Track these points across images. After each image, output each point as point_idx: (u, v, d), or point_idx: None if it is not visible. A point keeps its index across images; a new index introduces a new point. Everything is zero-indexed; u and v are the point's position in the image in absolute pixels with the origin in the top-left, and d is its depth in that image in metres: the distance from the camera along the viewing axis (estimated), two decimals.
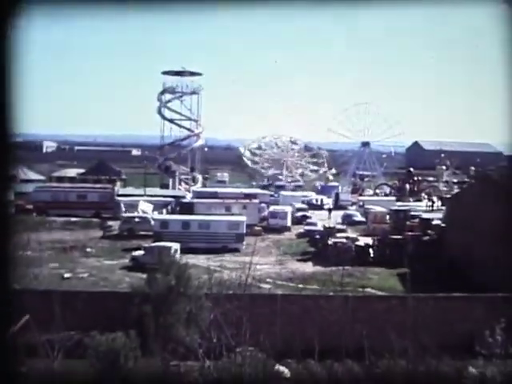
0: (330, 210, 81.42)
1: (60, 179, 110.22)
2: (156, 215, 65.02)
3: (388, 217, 67.79)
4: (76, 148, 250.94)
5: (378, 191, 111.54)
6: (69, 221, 69.48)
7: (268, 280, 45.70)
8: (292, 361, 32.97)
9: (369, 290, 43.85)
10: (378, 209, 72.40)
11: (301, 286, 44.88)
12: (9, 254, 8.83)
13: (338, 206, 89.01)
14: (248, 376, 26.23)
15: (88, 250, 55.51)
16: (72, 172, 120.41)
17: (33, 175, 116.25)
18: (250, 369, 26.49)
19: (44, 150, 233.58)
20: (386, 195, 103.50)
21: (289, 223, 69.20)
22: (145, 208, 69.53)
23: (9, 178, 8.81)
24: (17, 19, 8.18)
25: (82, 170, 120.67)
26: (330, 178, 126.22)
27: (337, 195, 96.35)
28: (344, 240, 54.91)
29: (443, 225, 57.60)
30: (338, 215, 77.11)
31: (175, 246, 48.76)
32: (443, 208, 72.71)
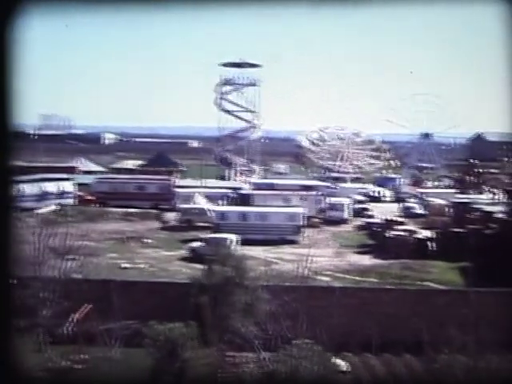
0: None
1: (119, 170, 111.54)
2: (214, 207, 65.13)
3: (448, 209, 66.63)
4: (135, 140, 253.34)
5: (438, 183, 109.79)
6: (127, 212, 70.09)
7: (325, 272, 45.35)
8: (349, 354, 32.69)
9: (428, 283, 43.15)
10: (438, 201, 71.24)
11: (359, 278, 44.42)
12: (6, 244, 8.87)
13: (397, 198, 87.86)
14: (304, 369, 26.06)
15: (146, 240, 55.93)
16: (131, 163, 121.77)
17: (93, 166, 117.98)
18: (306, 361, 26.31)
19: (104, 142, 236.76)
20: (447, 187, 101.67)
21: (347, 215, 68.57)
22: (200, 200, 69.77)
23: (10, 173, 8.85)
24: (20, 17, 8.20)
25: (140, 162, 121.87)
26: (390, 169, 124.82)
27: (396, 187, 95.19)
28: (403, 233, 54.19)
29: (506, 218, 56.30)
30: (397, 207, 76.14)
31: (233, 237, 48.77)
32: (506, 201, 71.16)
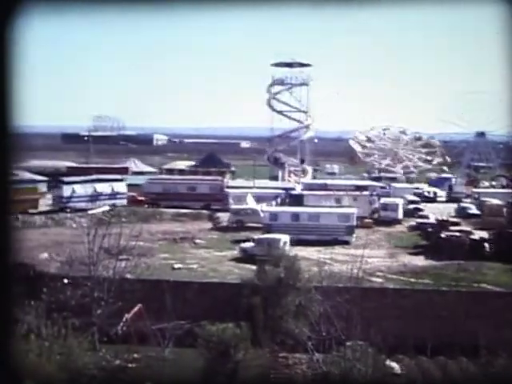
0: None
1: (170, 171, 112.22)
2: (265, 207, 65.00)
3: (505, 210, 65.29)
4: (186, 140, 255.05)
5: (494, 183, 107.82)
6: (179, 212, 70.44)
7: (378, 273, 44.84)
8: (403, 357, 32.24)
9: (484, 285, 42.29)
10: (495, 201, 69.86)
11: (412, 280, 43.79)
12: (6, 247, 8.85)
13: (451, 198, 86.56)
14: (357, 371, 25.77)
15: (198, 241, 56.05)
16: (182, 164, 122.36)
17: (144, 167, 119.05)
18: (359, 363, 26.02)
19: (155, 143, 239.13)
20: (503, 187, 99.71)
21: (400, 216, 67.75)
22: (252, 201, 69.72)
23: (9, 175, 8.84)
24: (20, 17, 8.20)
25: (192, 163, 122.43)
26: (444, 169, 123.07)
27: (450, 187, 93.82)
28: (458, 233, 53.24)
29: None
30: (451, 208, 74.98)
31: (285, 238, 48.51)
32: None
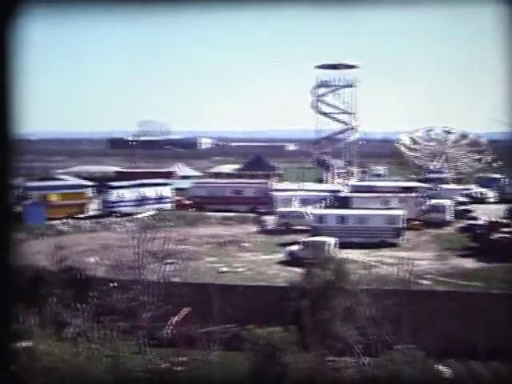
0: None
1: (216, 175, 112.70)
2: (312, 210, 64.71)
3: None
4: (231, 144, 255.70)
5: None
6: (225, 216, 70.51)
7: (427, 276, 44.18)
8: (453, 361, 31.68)
9: None
10: None
11: (462, 282, 43.04)
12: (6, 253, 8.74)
13: (502, 199, 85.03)
14: (406, 375, 25.41)
15: (244, 244, 56.03)
16: (228, 168, 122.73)
17: (190, 171, 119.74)
18: (408, 367, 25.65)
19: (200, 147, 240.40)
20: None
21: (449, 217, 66.85)
22: (298, 203, 69.49)
23: (9, 181, 8.78)
24: (20, 18, 8.14)
25: (238, 166, 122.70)
26: (493, 169, 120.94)
27: (500, 187, 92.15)
28: (509, 235, 52.19)
29: None
30: (502, 209, 73.61)
31: (332, 240, 48.12)
32: None
